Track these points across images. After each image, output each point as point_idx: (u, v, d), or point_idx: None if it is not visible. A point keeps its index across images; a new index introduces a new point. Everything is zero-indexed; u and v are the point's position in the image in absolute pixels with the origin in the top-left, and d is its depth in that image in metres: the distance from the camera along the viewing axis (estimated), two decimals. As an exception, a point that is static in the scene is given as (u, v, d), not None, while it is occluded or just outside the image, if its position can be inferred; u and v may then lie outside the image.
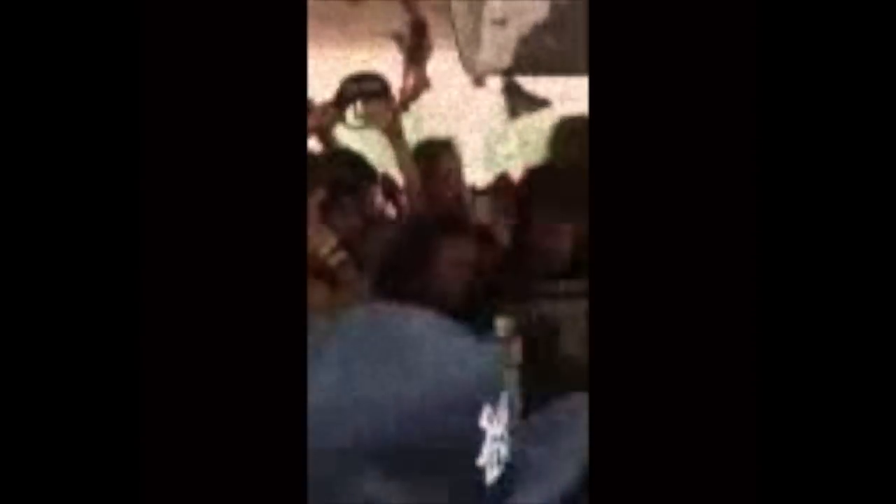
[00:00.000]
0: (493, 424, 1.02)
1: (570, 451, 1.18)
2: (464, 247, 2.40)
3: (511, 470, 1.05)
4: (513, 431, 1.04)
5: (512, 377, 2.17)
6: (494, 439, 1.02)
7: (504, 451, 1.05)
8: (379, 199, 3.02)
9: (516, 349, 2.19)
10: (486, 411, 1.01)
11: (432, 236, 2.40)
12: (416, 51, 3.49)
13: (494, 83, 3.87)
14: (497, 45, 3.19)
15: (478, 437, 1.00)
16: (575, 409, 1.21)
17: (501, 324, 2.17)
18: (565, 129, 2.90)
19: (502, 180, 4.06)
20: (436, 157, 3.45)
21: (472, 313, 2.37)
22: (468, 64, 3.55)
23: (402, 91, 3.57)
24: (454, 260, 2.36)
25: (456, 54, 3.67)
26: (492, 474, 1.03)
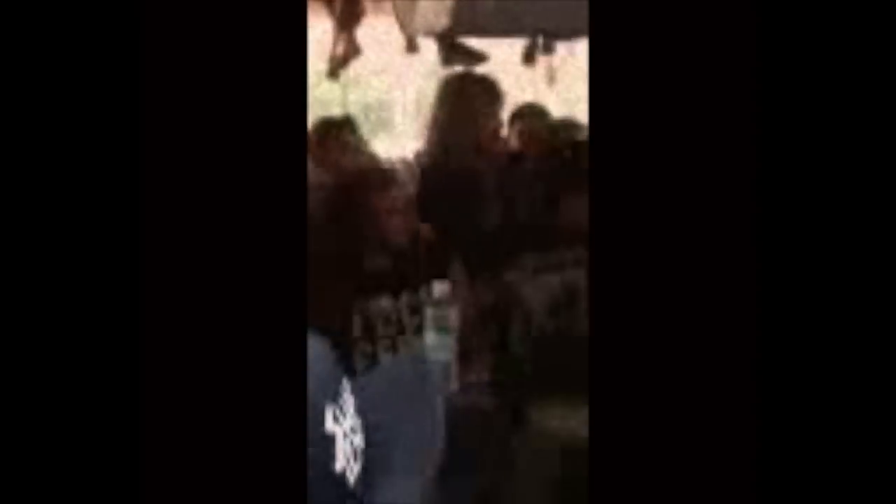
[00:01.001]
0: (341, 422, 0.97)
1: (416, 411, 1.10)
2: (395, 192, 2.35)
3: (371, 450, 0.99)
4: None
5: (448, 343, 2.15)
6: (346, 435, 0.98)
7: (358, 440, 1.00)
8: None
9: (453, 315, 2.17)
10: (330, 412, 0.96)
11: (358, 191, 2.35)
12: (346, 17, 3.43)
13: (428, 49, 3.83)
14: (434, 7, 3.14)
15: (327, 442, 0.96)
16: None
17: (439, 287, 2.14)
18: (452, 85, 2.88)
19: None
20: (331, 135, 3.35)
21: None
22: (405, 26, 3.50)
23: (332, 58, 3.50)
24: (389, 207, 2.31)
25: (388, 20, 3.61)
26: (353, 472, 0.98)
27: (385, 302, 2.23)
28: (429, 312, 2.15)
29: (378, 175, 2.42)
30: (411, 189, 2.49)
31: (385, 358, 2.19)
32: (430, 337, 2.14)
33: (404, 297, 2.25)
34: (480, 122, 2.77)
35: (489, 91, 2.83)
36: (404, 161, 3.40)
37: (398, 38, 3.84)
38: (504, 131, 3.07)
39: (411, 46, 3.80)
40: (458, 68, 3.48)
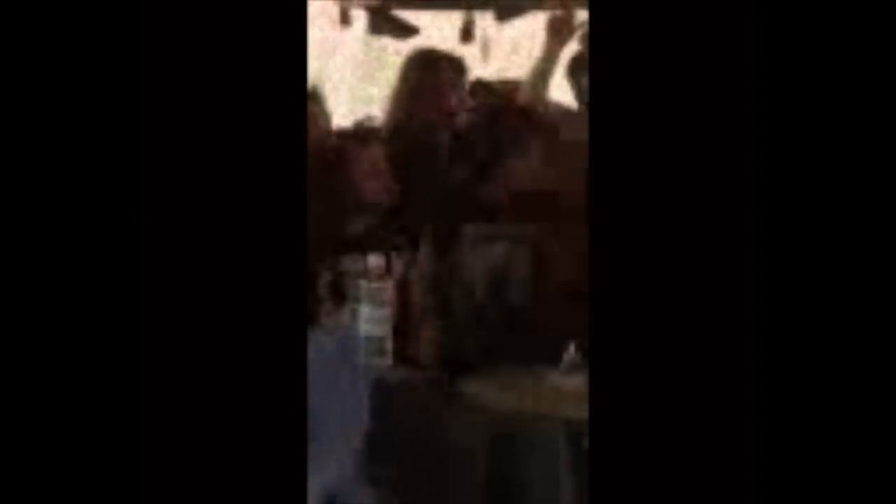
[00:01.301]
0: None
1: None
2: (374, 153, 2.32)
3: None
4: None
5: (383, 316, 2.15)
6: None
7: None
8: None
9: (388, 290, 2.17)
10: None
11: (339, 149, 2.32)
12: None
13: (362, 22, 3.80)
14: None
15: None
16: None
17: (374, 262, 2.14)
18: (418, 61, 2.89)
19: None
20: None
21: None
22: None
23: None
24: (368, 169, 2.28)
25: (321, -7, 3.57)
26: None
27: (360, 263, 2.21)
28: (363, 285, 2.14)
29: (358, 137, 2.40)
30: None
31: (316, 331, 2.17)
32: (365, 311, 2.14)
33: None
34: (444, 95, 2.79)
35: (454, 67, 2.86)
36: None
37: (332, 10, 3.80)
38: (465, 106, 3.10)
39: (345, 19, 3.76)
40: (387, 39, 3.47)
